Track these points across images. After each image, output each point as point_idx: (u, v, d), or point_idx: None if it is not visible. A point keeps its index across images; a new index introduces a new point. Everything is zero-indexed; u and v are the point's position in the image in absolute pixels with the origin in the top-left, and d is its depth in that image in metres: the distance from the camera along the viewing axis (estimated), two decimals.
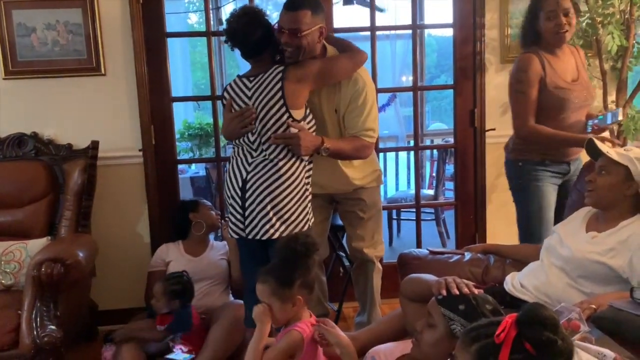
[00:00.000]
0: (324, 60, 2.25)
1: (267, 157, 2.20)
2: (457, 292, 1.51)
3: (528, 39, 2.55)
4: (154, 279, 2.80)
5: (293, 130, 2.16)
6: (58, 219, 2.82)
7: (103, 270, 3.00)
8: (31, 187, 2.80)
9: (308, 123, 2.24)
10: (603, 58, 3.09)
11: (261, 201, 2.16)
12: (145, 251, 3.12)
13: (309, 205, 2.27)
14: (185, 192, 4.12)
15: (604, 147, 1.95)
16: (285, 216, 2.17)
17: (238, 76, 2.29)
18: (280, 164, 2.17)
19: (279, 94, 2.15)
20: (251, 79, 2.23)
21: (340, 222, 2.80)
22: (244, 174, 2.22)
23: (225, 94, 2.30)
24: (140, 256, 3.11)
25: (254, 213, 2.18)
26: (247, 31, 2.15)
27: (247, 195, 2.19)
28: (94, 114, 3.03)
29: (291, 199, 2.19)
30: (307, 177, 2.28)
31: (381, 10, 5.04)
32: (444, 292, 1.53)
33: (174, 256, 2.84)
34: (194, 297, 2.60)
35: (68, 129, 3.00)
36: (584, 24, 3.04)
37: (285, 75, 2.16)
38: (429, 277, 2.06)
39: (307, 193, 2.26)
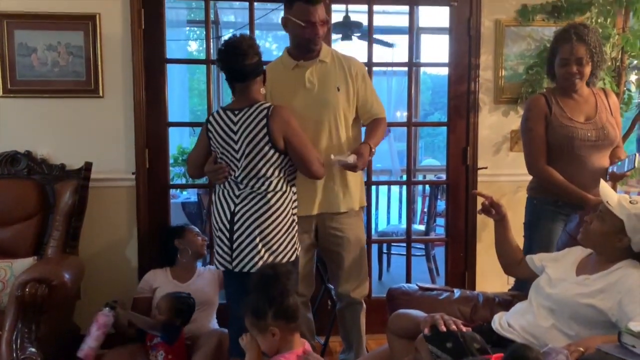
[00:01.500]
0: (301, 133, 2.26)
1: (254, 189, 2.21)
2: (445, 329, 1.50)
3: (549, 75, 2.65)
4: (140, 305, 2.79)
5: (351, 158, 2.30)
6: (46, 239, 2.80)
7: (88, 293, 2.96)
8: (21, 205, 2.79)
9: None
10: None
11: (250, 233, 2.18)
12: (132, 276, 3.09)
13: (296, 235, 2.31)
14: (176, 217, 4.09)
15: (606, 195, 1.93)
16: (274, 247, 2.19)
17: (221, 108, 2.30)
18: (269, 196, 2.20)
19: (264, 131, 2.17)
20: (236, 112, 2.22)
21: None
22: (232, 206, 2.22)
23: (209, 126, 2.28)
24: (126, 281, 3.08)
25: (242, 245, 2.18)
26: (239, 53, 2.17)
27: (236, 227, 2.20)
28: (89, 135, 3.04)
29: (279, 230, 2.21)
30: (294, 208, 2.31)
31: (390, 45, 5.13)
32: (432, 329, 1.53)
33: (161, 282, 2.81)
34: (189, 321, 2.60)
35: (62, 149, 3.00)
36: None
37: (271, 114, 2.18)
38: (418, 313, 2.05)
39: (294, 224, 2.29)
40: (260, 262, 2.16)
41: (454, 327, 1.52)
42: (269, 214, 2.19)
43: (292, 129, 2.20)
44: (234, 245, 2.19)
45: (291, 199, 2.28)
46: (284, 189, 2.24)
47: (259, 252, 2.17)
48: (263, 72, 2.26)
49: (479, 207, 3.29)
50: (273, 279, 1.72)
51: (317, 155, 2.28)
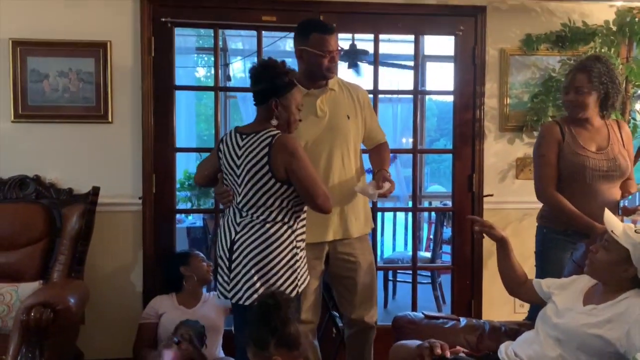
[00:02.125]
0: (307, 163, 2.11)
1: (254, 218, 2.13)
2: (440, 352, 1.51)
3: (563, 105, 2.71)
4: (145, 330, 2.77)
5: (386, 186, 2.36)
6: (52, 263, 2.80)
7: (92, 318, 2.95)
8: (28, 229, 2.80)
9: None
10: None
11: (246, 264, 2.09)
12: (137, 301, 3.08)
13: (300, 270, 2.17)
14: (181, 242, 4.10)
15: (612, 224, 1.92)
16: (271, 280, 2.09)
17: (236, 128, 2.27)
18: (268, 226, 2.10)
19: (265, 159, 2.08)
20: (244, 136, 2.16)
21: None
22: (233, 234, 2.15)
23: (221, 145, 2.25)
24: (131, 306, 3.07)
25: (239, 276, 2.10)
26: (252, 76, 2.15)
27: (234, 256, 2.12)
28: (98, 160, 3.07)
29: (277, 263, 2.10)
30: (299, 241, 2.18)
31: (410, 68, 5.18)
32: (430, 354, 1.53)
33: (167, 308, 2.81)
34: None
35: (71, 173, 3.03)
36: None
37: (274, 143, 2.08)
38: (417, 343, 2.05)
39: (296, 257, 2.15)
40: (255, 296, 2.06)
41: (447, 353, 1.53)
42: (266, 244, 2.08)
43: (297, 160, 2.06)
44: (232, 275, 2.12)
45: (294, 231, 2.15)
46: (285, 220, 2.12)
47: (254, 284, 2.08)
48: (276, 101, 2.12)
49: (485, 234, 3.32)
50: (274, 308, 1.69)
51: (323, 189, 2.10)
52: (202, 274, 2.87)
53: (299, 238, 2.17)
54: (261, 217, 2.12)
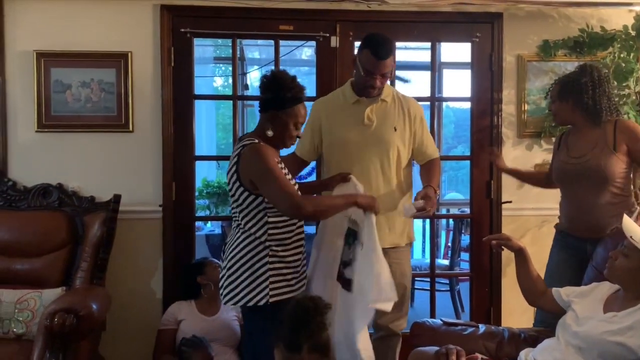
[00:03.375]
0: (270, 165, 2.04)
1: (235, 224, 2.16)
2: (454, 359, 1.51)
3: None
4: (165, 337, 2.80)
5: (420, 203, 2.30)
6: (74, 270, 2.85)
7: (113, 324, 2.99)
8: (52, 237, 2.85)
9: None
10: None
11: (223, 267, 2.14)
12: (157, 308, 3.12)
13: (269, 283, 2.06)
14: (200, 250, 4.13)
15: (630, 230, 1.91)
16: (236, 290, 2.08)
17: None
18: (239, 234, 2.11)
19: (234, 168, 2.08)
20: (239, 142, 2.18)
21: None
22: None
23: None
24: (151, 312, 3.11)
25: (222, 278, 2.15)
26: (266, 85, 2.15)
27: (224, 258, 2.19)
28: (119, 169, 3.13)
29: (241, 274, 2.07)
30: (272, 256, 2.08)
31: (406, 80, 5.20)
32: None
33: (186, 315, 2.83)
34: None
35: (92, 181, 3.09)
36: None
37: (242, 152, 2.07)
38: (435, 349, 2.05)
39: (268, 273, 2.06)
40: (226, 298, 2.10)
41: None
42: (234, 252, 2.10)
43: (261, 168, 2.02)
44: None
45: (266, 245, 2.07)
46: (253, 231, 2.08)
47: (225, 288, 2.11)
48: (274, 113, 2.11)
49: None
50: (313, 312, 1.68)
51: (291, 195, 2.00)
52: (217, 280, 2.87)
53: (271, 253, 2.08)
54: (237, 224, 2.14)
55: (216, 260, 2.96)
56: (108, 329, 2.97)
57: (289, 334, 1.68)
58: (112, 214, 2.91)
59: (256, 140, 2.10)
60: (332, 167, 2.52)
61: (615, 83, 2.99)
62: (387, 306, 2.10)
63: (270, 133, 2.12)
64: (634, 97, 3.06)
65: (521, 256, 2.24)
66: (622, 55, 3.00)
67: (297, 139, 2.22)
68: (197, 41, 3.29)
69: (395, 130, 2.46)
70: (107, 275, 2.91)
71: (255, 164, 2.04)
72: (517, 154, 3.32)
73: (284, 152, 2.38)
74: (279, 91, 2.10)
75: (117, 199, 2.94)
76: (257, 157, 2.04)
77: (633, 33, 2.98)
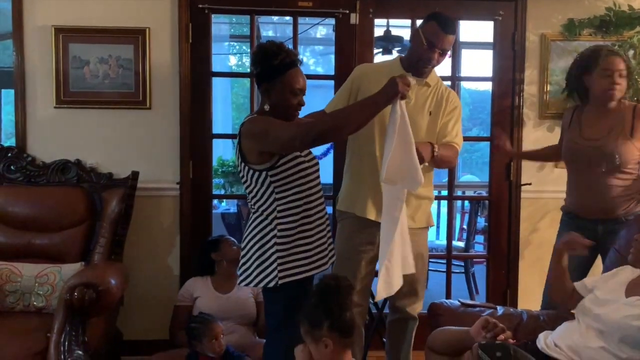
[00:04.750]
0: (267, 122, 1.99)
1: (250, 204, 2.13)
2: (501, 339, 1.52)
3: (575, 91, 2.68)
4: (180, 312, 2.83)
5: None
6: (93, 246, 2.87)
7: (130, 300, 3.02)
8: (70, 212, 2.87)
9: (295, 166, 2.03)
10: None
11: (242, 247, 2.13)
12: (174, 284, 3.14)
13: (277, 265, 2.01)
14: (217, 228, 4.16)
15: None
16: (245, 269, 2.08)
17: None
18: (252, 215, 2.10)
19: (237, 147, 2.06)
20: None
21: None
22: None
23: None
24: (168, 288, 3.13)
25: (240, 259, 2.14)
26: (252, 60, 2.10)
27: None
28: (136, 146, 3.13)
29: (251, 255, 2.06)
30: (280, 237, 2.02)
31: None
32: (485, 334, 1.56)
33: (201, 292, 2.85)
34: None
35: (110, 158, 3.09)
36: None
37: (241, 129, 2.04)
38: (459, 329, 2.03)
39: (276, 254, 2.01)
40: (239, 280, 2.12)
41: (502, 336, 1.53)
42: (246, 233, 2.10)
43: (258, 130, 1.96)
44: None
45: (275, 225, 2.02)
46: (262, 209, 2.04)
47: (240, 268, 2.12)
48: (265, 86, 2.03)
49: (522, 224, 3.28)
50: (334, 291, 1.69)
51: (292, 129, 1.94)
52: (231, 256, 2.83)
53: (280, 234, 2.02)
54: (250, 205, 2.11)
55: (232, 239, 2.96)
56: (126, 304, 3.00)
57: (314, 310, 1.69)
58: (130, 191, 2.92)
59: (253, 115, 2.07)
60: (358, 138, 2.45)
61: None
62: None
63: (267, 107, 2.03)
64: None
65: (563, 256, 2.18)
66: None
67: (301, 106, 2.08)
68: (214, 18, 3.25)
69: (430, 114, 2.42)
70: (124, 251, 2.94)
71: (253, 128, 1.99)
72: (538, 135, 3.27)
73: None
74: (265, 62, 2.00)
75: (135, 175, 2.95)
76: (254, 123, 2.01)
77: None
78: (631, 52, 3.01)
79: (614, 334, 1.83)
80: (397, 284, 2.19)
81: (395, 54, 4.92)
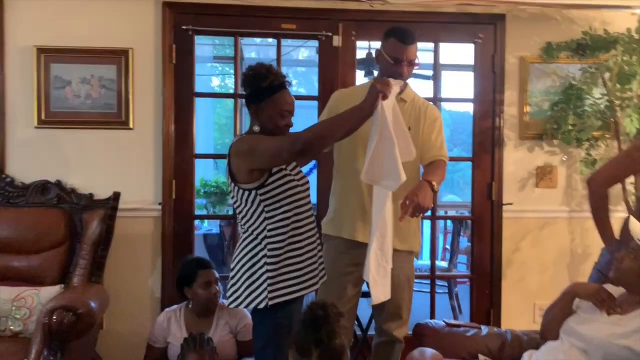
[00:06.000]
0: (255, 139, 2.01)
1: (240, 224, 2.11)
2: None
3: None
4: (154, 353, 2.64)
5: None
6: (72, 268, 2.81)
7: (111, 324, 2.96)
8: (50, 234, 2.82)
9: (284, 184, 2.02)
10: (621, 140, 3.13)
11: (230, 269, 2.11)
12: (155, 307, 3.09)
13: (267, 286, 1.98)
14: (198, 249, 4.12)
15: (637, 232, 1.91)
16: (234, 288, 2.04)
17: None
18: (242, 234, 2.08)
19: (227, 168, 2.05)
20: None
21: None
22: None
23: None
24: (149, 312, 3.09)
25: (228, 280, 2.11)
26: (242, 82, 2.11)
27: None
28: (118, 166, 3.10)
29: (239, 276, 2.02)
30: (269, 263, 1.98)
31: (428, 77, 5.14)
32: None
33: (173, 338, 2.59)
34: None
35: (92, 178, 3.05)
36: (602, 105, 3.11)
37: (230, 149, 2.04)
38: (432, 352, 2.05)
39: (261, 270, 1.98)
40: (228, 301, 2.06)
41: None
42: (235, 254, 2.06)
43: (247, 148, 1.96)
44: None
45: (264, 245, 1.99)
46: (252, 229, 2.02)
47: (228, 290, 2.06)
48: (254, 108, 2.05)
49: (504, 243, 3.30)
50: (323, 320, 1.66)
51: (278, 141, 1.95)
52: (202, 301, 2.59)
53: (272, 250, 1.98)
54: (241, 225, 2.09)
55: (214, 271, 2.65)
56: (105, 327, 2.95)
57: (300, 338, 1.68)
58: (111, 212, 2.89)
59: (242, 135, 2.07)
60: (341, 158, 2.47)
61: (618, 86, 2.99)
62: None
63: (256, 128, 2.04)
64: (636, 100, 3.07)
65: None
66: (625, 58, 3.00)
67: (289, 128, 2.07)
68: (197, 39, 3.26)
69: (410, 129, 2.42)
70: (105, 274, 2.89)
71: (241, 147, 1.99)
72: (519, 156, 3.32)
73: None
74: (255, 84, 2.03)
75: (116, 196, 2.91)
76: (242, 142, 2.01)
77: (636, 36, 2.98)
78: (607, 75, 3.08)
79: (598, 353, 1.84)
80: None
81: (376, 75, 4.96)
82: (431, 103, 2.58)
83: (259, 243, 2.01)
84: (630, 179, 3.11)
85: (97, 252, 2.84)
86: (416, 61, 2.35)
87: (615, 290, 2.00)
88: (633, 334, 1.79)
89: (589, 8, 3.21)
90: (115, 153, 3.10)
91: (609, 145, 3.26)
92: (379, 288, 2.14)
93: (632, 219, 1.98)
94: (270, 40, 3.35)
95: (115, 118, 3.08)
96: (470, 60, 3.38)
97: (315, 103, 3.26)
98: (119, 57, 3.07)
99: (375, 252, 2.13)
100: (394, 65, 2.31)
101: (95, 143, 3.09)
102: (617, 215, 3.25)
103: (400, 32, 2.33)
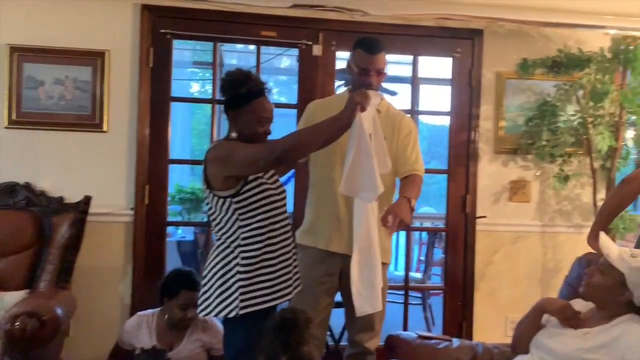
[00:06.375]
0: (231, 146, 1.99)
1: (214, 232, 2.08)
2: None
3: None
4: (119, 354, 2.62)
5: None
6: (39, 272, 2.75)
7: (77, 330, 2.89)
8: (16, 237, 2.75)
9: (260, 193, 2.00)
10: (593, 157, 3.18)
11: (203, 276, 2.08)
12: (125, 314, 3.03)
13: (239, 294, 1.95)
14: (171, 256, 4.06)
15: (607, 248, 1.93)
16: (205, 296, 2.01)
17: None
18: (216, 242, 2.05)
19: (203, 175, 2.02)
20: None
21: None
22: None
23: None
24: (118, 319, 3.02)
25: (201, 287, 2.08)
26: (221, 88, 2.07)
27: None
28: (90, 169, 3.04)
29: (211, 284, 2.00)
30: (242, 269, 1.97)
31: (393, 93, 5.20)
32: None
33: (141, 343, 2.55)
34: None
35: (63, 181, 2.99)
36: (575, 122, 3.16)
37: (206, 155, 2.02)
38: None
39: (233, 279, 1.96)
40: (199, 309, 2.03)
41: None
42: (208, 261, 2.04)
43: (222, 155, 1.95)
44: None
45: (237, 254, 1.97)
46: (225, 237, 2.00)
47: (200, 298, 2.04)
48: (232, 115, 2.03)
49: (477, 256, 3.33)
50: (291, 325, 1.66)
51: (255, 149, 1.93)
52: (175, 320, 2.55)
53: (245, 259, 1.96)
54: (215, 233, 2.06)
55: (196, 293, 2.41)
56: (72, 334, 2.88)
57: (271, 344, 1.66)
58: (82, 216, 2.83)
59: (218, 142, 2.05)
60: (317, 168, 2.46)
61: (591, 104, 3.05)
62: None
63: (234, 135, 2.02)
64: (607, 118, 3.13)
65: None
66: (597, 77, 3.06)
67: (267, 135, 2.05)
68: (175, 44, 3.24)
69: (385, 139, 2.42)
70: (73, 279, 2.82)
71: (217, 153, 1.97)
72: (493, 170, 3.36)
73: None
74: (233, 90, 2.01)
75: (87, 200, 2.86)
76: (218, 148, 1.99)
77: (609, 55, 3.05)
78: (580, 93, 3.14)
79: None
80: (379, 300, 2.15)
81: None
82: (406, 114, 2.58)
83: (232, 252, 1.98)
84: (601, 195, 3.19)
85: (66, 257, 2.79)
86: (385, 70, 2.34)
87: (585, 305, 2.02)
88: (600, 349, 1.81)
89: (565, 27, 3.27)
90: (88, 156, 3.04)
91: (581, 161, 3.31)
92: (364, 300, 2.12)
93: (603, 235, 2.00)
94: (251, 47, 3.35)
95: (89, 120, 3.03)
96: (448, 74, 3.42)
97: (294, 112, 3.25)
98: (94, 58, 3.02)
99: (359, 264, 2.11)
100: (362, 75, 2.32)
101: (68, 145, 3.03)
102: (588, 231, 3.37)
103: (366, 42, 2.34)
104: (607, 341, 1.81)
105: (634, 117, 3.01)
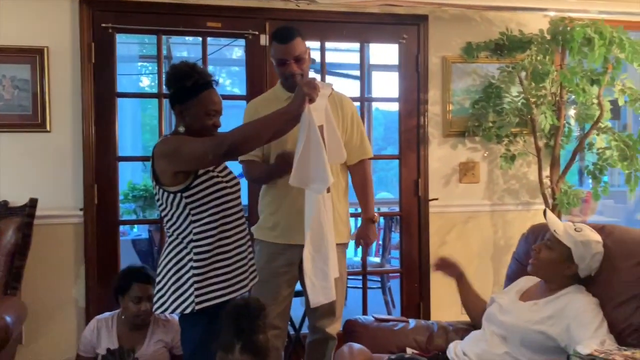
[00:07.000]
0: (179, 140, 1.95)
1: (166, 228, 2.06)
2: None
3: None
4: None
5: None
6: None
7: (31, 337, 2.81)
8: None
9: (211, 186, 1.98)
10: (537, 136, 3.29)
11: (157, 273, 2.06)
12: (80, 317, 2.98)
13: (194, 290, 1.93)
14: (127, 255, 3.97)
15: (553, 224, 1.99)
16: (160, 293, 1.99)
17: None
18: (168, 238, 2.03)
19: (151, 170, 1.99)
20: None
21: None
22: None
23: None
24: (74, 322, 2.96)
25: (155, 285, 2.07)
26: (166, 82, 2.04)
27: None
28: (35, 171, 2.95)
29: (163, 279, 1.99)
30: (196, 264, 1.95)
31: (358, 78, 5.21)
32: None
33: (103, 348, 2.47)
34: None
35: (6, 184, 2.89)
36: (519, 103, 3.25)
37: (154, 151, 1.99)
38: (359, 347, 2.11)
39: (188, 275, 1.94)
40: (155, 307, 2.01)
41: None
42: (161, 259, 2.02)
43: (169, 149, 1.93)
44: None
45: (190, 249, 1.95)
46: (177, 233, 1.98)
47: (155, 295, 2.02)
48: (179, 109, 2.00)
49: (432, 238, 3.41)
50: (243, 312, 1.66)
51: (203, 143, 1.89)
52: (130, 315, 2.51)
53: (199, 254, 1.94)
54: (167, 229, 2.03)
55: (149, 286, 2.48)
56: (25, 341, 2.80)
57: (225, 333, 1.67)
58: (28, 219, 2.75)
59: (168, 136, 2.03)
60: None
61: (533, 84, 3.14)
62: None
63: (182, 129, 1.99)
64: (549, 98, 3.23)
65: (463, 280, 2.30)
66: (538, 58, 3.15)
67: (216, 128, 2.02)
68: (121, 38, 3.16)
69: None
70: (23, 285, 2.74)
71: (164, 148, 1.94)
72: (443, 153, 3.43)
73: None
74: (178, 83, 1.97)
75: (33, 203, 2.77)
76: (165, 143, 1.97)
77: (548, 37, 3.14)
78: (523, 74, 3.23)
79: (516, 338, 1.92)
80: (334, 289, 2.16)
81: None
82: (345, 95, 2.56)
83: (185, 247, 1.96)
84: (546, 172, 3.30)
85: (14, 263, 2.70)
86: (305, 56, 2.32)
87: (532, 280, 2.10)
88: (547, 320, 1.88)
89: (505, 10, 3.36)
90: (32, 157, 2.95)
91: (526, 141, 3.42)
92: (318, 290, 2.12)
93: (549, 212, 2.08)
94: (200, 38, 3.29)
95: (31, 120, 2.93)
96: (397, 60, 3.46)
97: (244, 103, 3.22)
98: (33, 56, 2.92)
99: (311, 255, 2.11)
100: (280, 65, 2.33)
101: (9, 147, 2.92)
102: (535, 208, 3.49)
103: (277, 33, 2.35)
104: (554, 312, 1.88)
105: (573, 96, 3.11)
